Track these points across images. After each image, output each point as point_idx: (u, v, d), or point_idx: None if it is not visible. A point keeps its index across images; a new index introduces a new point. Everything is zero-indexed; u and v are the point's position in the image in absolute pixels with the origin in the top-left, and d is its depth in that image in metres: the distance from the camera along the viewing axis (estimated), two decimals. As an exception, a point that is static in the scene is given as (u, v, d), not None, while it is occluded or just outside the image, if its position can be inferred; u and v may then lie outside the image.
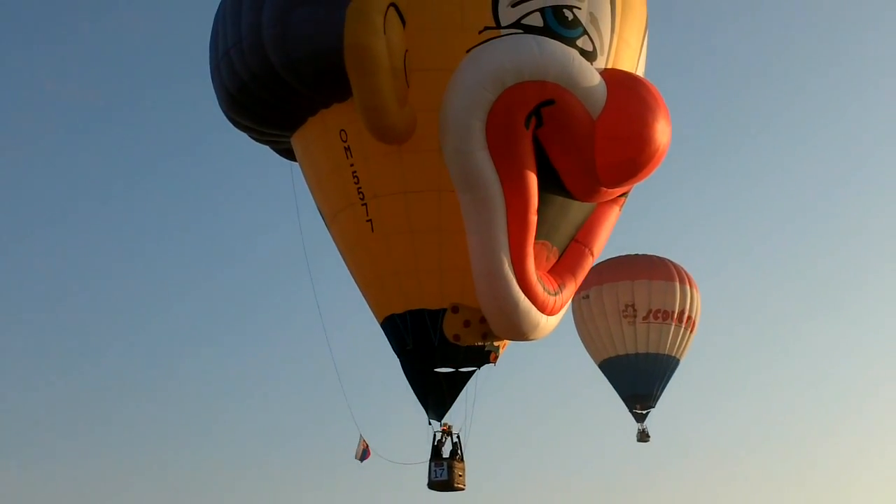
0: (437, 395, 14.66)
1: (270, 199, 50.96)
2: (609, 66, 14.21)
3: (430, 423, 14.88)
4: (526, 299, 13.83)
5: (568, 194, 14.18)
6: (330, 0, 13.25)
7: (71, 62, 53.46)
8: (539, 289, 13.95)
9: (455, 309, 14.25)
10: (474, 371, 14.77)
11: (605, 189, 14.15)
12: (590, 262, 14.84)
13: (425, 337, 14.39)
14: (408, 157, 13.90)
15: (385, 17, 13.27)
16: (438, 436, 14.84)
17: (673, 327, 34.60)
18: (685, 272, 35.12)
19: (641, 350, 35.00)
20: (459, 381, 14.72)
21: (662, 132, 13.74)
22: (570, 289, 14.62)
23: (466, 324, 14.22)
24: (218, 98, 14.77)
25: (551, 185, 13.90)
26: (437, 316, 14.30)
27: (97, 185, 53.56)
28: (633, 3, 14.59)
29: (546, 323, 14.29)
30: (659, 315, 34.53)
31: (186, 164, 54.61)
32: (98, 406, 46.19)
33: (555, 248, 14.45)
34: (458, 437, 14.88)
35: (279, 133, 15.11)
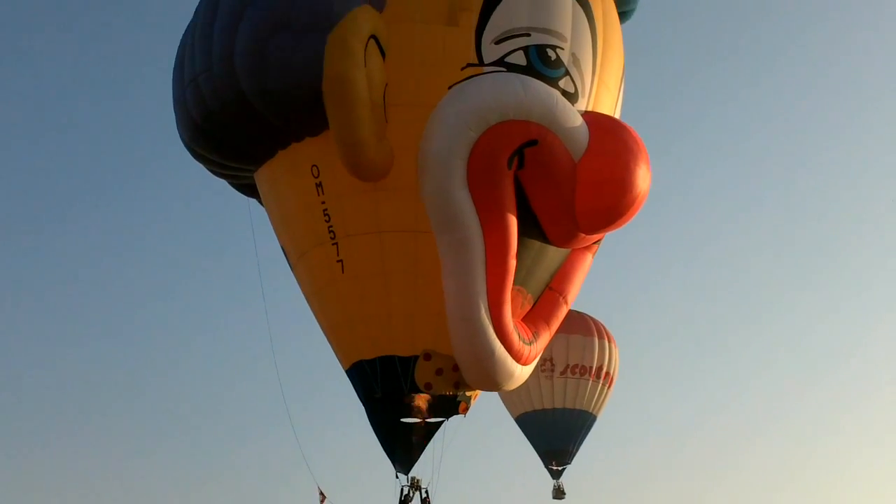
0: (405, 446, 13.95)
1: (226, 237, 49.44)
2: (589, 109, 13.84)
3: (396, 477, 14.17)
4: (502, 348, 13.31)
5: (545, 239, 13.73)
6: (309, 28, 12.68)
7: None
8: (515, 337, 13.44)
9: (427, 356, 13.63)
10: (442, 422, 14.11)
11: (583, 234, 13.73)
12: (564, 311, 14.38)
13: (395, 385, 13.71)
14: (383, 195, 13.32)
15: (366, 49, 12.74)
16: (406, 490, 14.12)
17: (591, 383, 34.37)
18: (604, 327, 34.95)
19: (559, 405, 34.69)
20: (428, 433, 14.05)
21: (643, 178, 13.42)
22: (545, 338, 14.14)
23: (439, 372, 13.62)
24: (180, 127, 14.06)
25: (529, 228, 13.45)
26: (408, 363, 13.65)
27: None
28: (613, 45, 14.30)
29: (520, 373, 13.79)
30: (577, 370, 34.26)
31: (134, 194, 52.86)
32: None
33: (529, 294, 13.96)
34: (427, 491, 14.18)
35: (243, 167, 14.42)
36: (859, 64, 56.34)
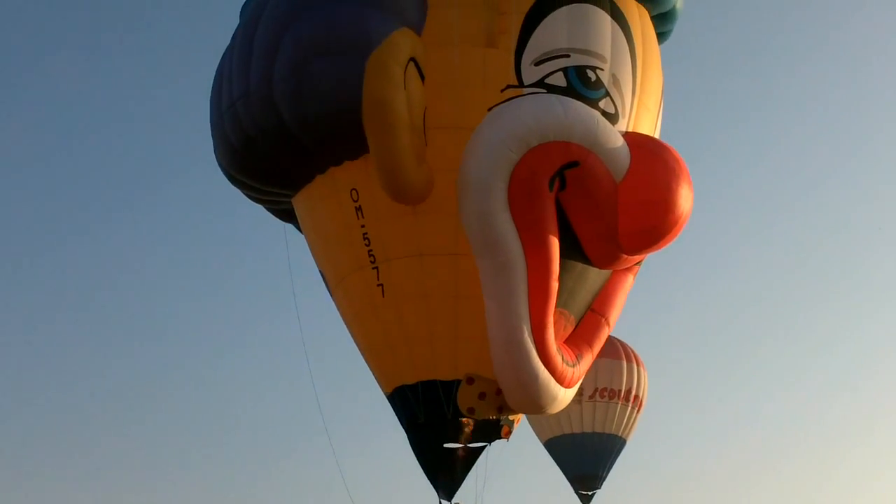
0: (448, 472, 13.81)
1: (263, 261, 49.25)
2: (630, 129, 13.75)
3: (440, 503, 14.02)
4: (545, 371, 13.17)
5: (587, 261, 13.62)
6: (348, 53, 12.62)
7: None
8: (558, 360, 13.30)
9: (470, 380, 13.50)
10: (485, 447, 13.98)
11: (625, 256, 13.62)
12: (606, 333, 14.24)
13: (438, 410, 13.59)
14: (423, 219, 13.23)
15: (405, 72, 12.68)
16: (450, 514, 13.99)
17: (619, 406, 34.18)
18: (632, 350, 34.77)
19: (587, 429, 34.52)
20: (471, 458, 13.91)
21: (686, 198, 13.31)
22: (587, 360, 14.00)
23: (482, 396, 13.48)
24: (218, 152, 14.03)
25: (570, 250, 13.34)
26: (450, 387, 13.53)
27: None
28: (652, 66, 14.22)
29: (564, 396, 13.65)
30: (605, 394, 34.08)
31: (169, 220, 52.81)
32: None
33: (572, 317, 13.84)
34: (470, 514, 14.05)
35: (281, 192, 14.37)
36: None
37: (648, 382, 35.03)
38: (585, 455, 34.77)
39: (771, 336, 55.14)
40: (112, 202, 52.95)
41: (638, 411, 34.67)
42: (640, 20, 14.07)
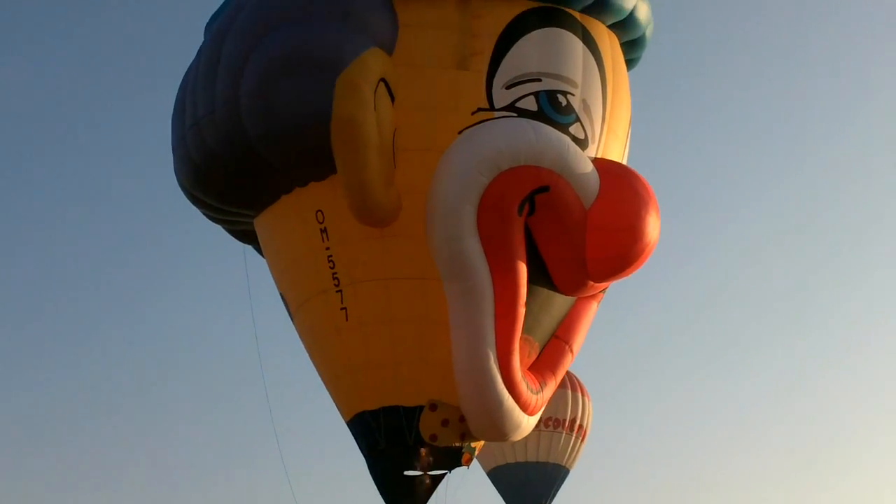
0: (408, 500, 13.55)
1: (221, 283, 48.19)
2: (599, 156, 13.67)
3: (399, 531, 13.76)
4: (510, 398, 13.04)
5: (553, 287, 13.49)
6: (318, 71, 12.41)
7: None
8: (524, 387, 13.17)
9: (433, 406, 13.28)
10: (445, 474, 13.74)
11: (591, 283, 13.52)
12: (570, 360, 14.12)
13: (399, 436, 13.33)
14: (390, 242, 13.02)
15: (375, 92, 12.50)
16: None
17: (564, 436, 34.11)
18: (577, 380, 34.71)
19: (532, 458, 34.42)
20: (432, 486, 13.67)
21: (654, 226, 13.27)
22: (551, 388, 13.87)
23: (445, 423, 13.26)
24: (180, 171, 13.74)
25: (537, 276, 13.22)
26: (413, 413, 13.29)
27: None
28: (621, 92, 14.17)
29: (527, 423, 13.54)
30: (550, 423, 33.95)
31: (128, 236, 51.69)
32: None
33: (536, 343, 13.70)
34: (431, 544, 13.78)
35: (244, 212, 14.09)
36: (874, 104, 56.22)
37: (593, 412, 35.01)
38: (529, 484, 34.63)
39: (715, 365, 55.48)
40: (62, 220, 51.97)
41: (582, 441, 34.62)
42: (611, 46, 14.02)
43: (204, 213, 14.50)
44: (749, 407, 54.19)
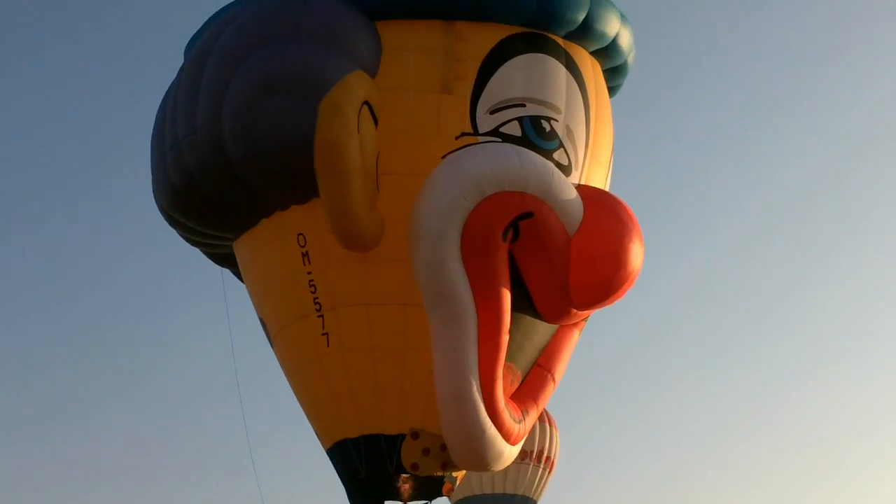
0: (389, 529, 13.35)
1: (198, 306, 47.23)
2: (582, 183, 13.60)
3: (379, 562, 13.52)
4: (493, 427, 12.87)
5: (536, 314, 13.37)
6: (302, 93, 12.29)
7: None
8: (506, 415, 13.01)
9: (415, 435, 13.10)
10: None
11: (574, 310, 13.41)
12: (552, 389, 13.96)
13: (380, 465, 13.13)
14: (373, 267, 12.87)
15: (359, 115, 12.38)
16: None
17: (531, 467, 33.95)
18: (545, 411, 34.57)
19: (498, 490, 34.22)
20: None
21: (637, 254, 13.21)
22: (533, 417, 13.73)
23: (426, 451, 13.08)
24: (159, 192, 13.56)
25: (520, 303, 13.08)
26: (394, 442, 13.10)
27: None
28: (604, 119, 14.12)
29: (509, 452, 13.37)
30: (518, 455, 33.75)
31: (103, 257, 50.69)
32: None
33: (519, 371, 13.55)
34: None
35: (223, 235, 13.89)
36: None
37: (560, 443, 34.90)
38: (495, 516, 34.44)
39: (679, 400, 55.49)
40: (38, 236, 51.06)
41: (549, 472, 34.49)
42: (594, 73, 13.98)
43: (182, 235, 14.31)
44: (718, 437, 54.30)
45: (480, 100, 13.00)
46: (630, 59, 14.51)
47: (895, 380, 56.01)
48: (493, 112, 13.02)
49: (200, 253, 14.89)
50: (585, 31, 13.60)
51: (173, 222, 13.87)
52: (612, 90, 14.63)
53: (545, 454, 34.06)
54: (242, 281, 14.80)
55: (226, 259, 14.70)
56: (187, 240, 14.39)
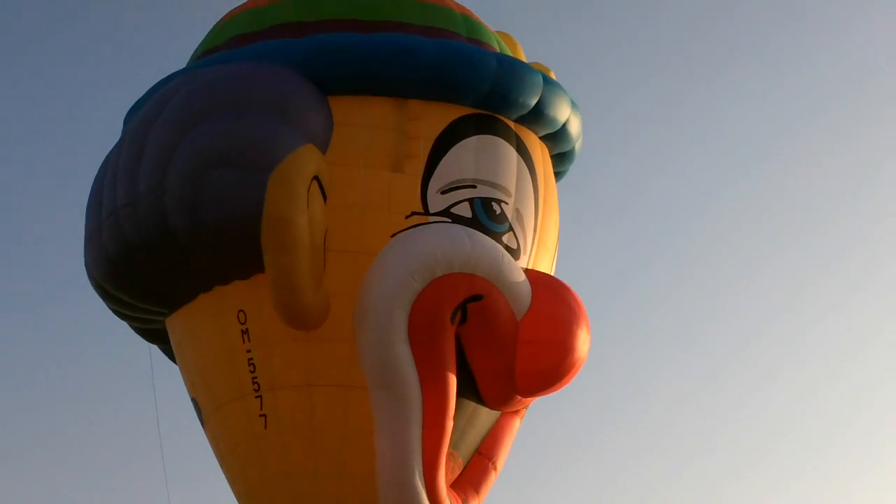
0: None
1: (123, 384, 44.88)
2: (529, 267, 13.43)
3: None
4: (434, 514, 12.46)
5: (479, 400, 13.10)
6: (251, 165, 12.00)
7: None
8: (447, 504, 12.62)
9: (354, 522, 12.63)
10: None
11: (519, 397, 13.17)
12: (493, 478, 13.64)
13: (317, 552, 12.63)
14: (316, 346, 12.49)
15: (309, 190, 12.11)
16: None
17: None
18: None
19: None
20: None
21: (585, 341, 13.08)
22: (473, 506, 13.33)
23: None
24: (92, 263, 13.05)
25: (464, 388, 12.81)
26: None
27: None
28: (551, 205, 14.06)
29: (448, 542, 12.90)
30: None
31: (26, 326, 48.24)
32: None
33: (460, 459, 13.25)
34: None
35: (157, 309, 13.38)
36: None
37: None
38: None
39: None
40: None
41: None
42: (543, 158, 13.94)
43: (111, 308, 13.77)
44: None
45: (432, 179, 12.83)
46: (577, 145, 14.49)
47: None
48: (444, 192, 12.85)
49: (127, 326, 14.33)
50: (537, 116, 13.56)
51: (104, 294, 13.35)
52: (557, 175, 14.58)
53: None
54: (171, 358, 14.31)
55: (155, 335, 14.16)
56: (116, 313, 13.85)
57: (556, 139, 14.08)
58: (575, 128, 14.19)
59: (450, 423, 12.50)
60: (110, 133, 13.27)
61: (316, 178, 12.27)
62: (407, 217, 12.67)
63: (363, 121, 12.78)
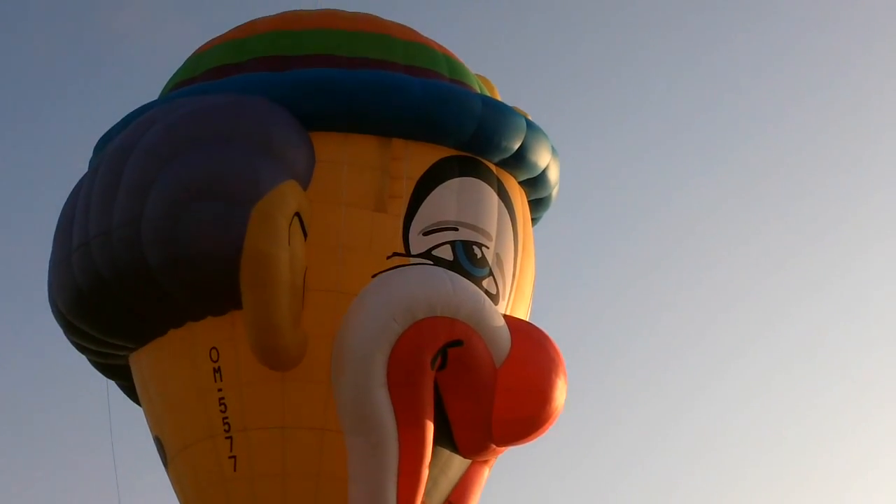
0: None
1: (78, 421, 43.06)
2: (507, 313, 13.21)
3: None
4: (404, 565, 12.10)
5: (453, 447, 12.80)
6: (232, 199, 11.70)
7: None
8: (418, 555, 12.27)
9: (324, 569, 12.23)
10: None
11: (493, 446, 12.89)
12: (463, 528, 13.28)
13: None
14: (291, 387, 12.13)
15: (290, 227, 11.81)
16: None
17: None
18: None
19: None
20: None
21: (562, 391, 12.87)
22: (443, 557, 12.98)
23: None
24: (58, 294, 12.55)
25: (439, 435, 12.50)
26: None
27: None
28: (529, 251, 13.91)
29: (417, 593, 12.54)
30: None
31: None
32: None
33: (431, 508, 12.86)
34: None
35: (123, 344, 12.92)
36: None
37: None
38: None
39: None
40: None
41: None
42: (522, 202, 13.78)
43: (72, 341, 13.25)
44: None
45: (414, 220, 12.60)
46: (554, 192, 14.38)
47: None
48: (426, 234, 12.62)
49: (86, 360, 13.82)
50: (518, 161, 13.41)
51: (68, 327, 12.85)
52: (533, 221, 14.42)
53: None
54: (129, 395, 13.84)
55: (114, 371, 13.68)
56: (77, 346, 13.34)
57: (536, 185, 13.94)
58: (554, 174, 14.06)
59: (426, 472, 12.17)
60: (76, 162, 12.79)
61: (297, 214, 11.99)
62: (388, 258, 12.40)
63: (346, 158, 12.53)
